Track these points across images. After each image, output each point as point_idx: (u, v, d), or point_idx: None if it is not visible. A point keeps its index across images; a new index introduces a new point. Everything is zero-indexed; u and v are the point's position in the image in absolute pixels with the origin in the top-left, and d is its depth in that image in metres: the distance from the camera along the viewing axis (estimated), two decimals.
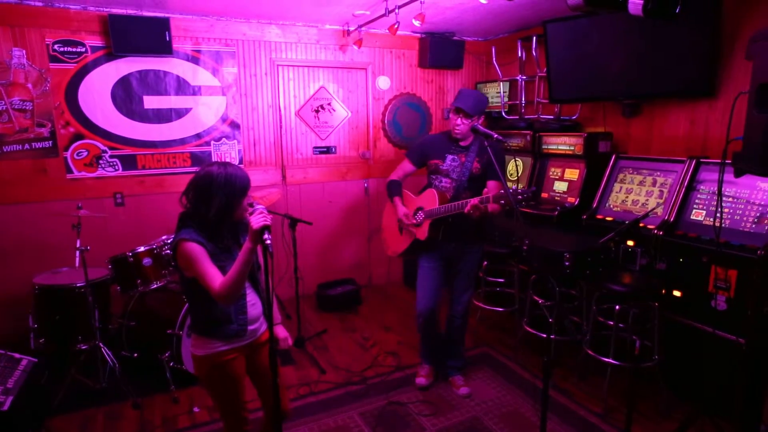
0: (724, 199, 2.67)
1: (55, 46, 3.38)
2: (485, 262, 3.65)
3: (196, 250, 1.62)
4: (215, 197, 1.63)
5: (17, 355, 2.33)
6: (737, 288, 2.43)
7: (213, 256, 1.65)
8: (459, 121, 2.60)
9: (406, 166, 2.85)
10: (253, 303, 1.81)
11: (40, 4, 3.28)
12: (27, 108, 3.37)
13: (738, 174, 1.86)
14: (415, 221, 2.74)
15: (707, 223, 2.71)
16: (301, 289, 3.62)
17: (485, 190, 2.59)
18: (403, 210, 2.79)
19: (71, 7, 3.36)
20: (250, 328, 1.80)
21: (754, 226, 2.53)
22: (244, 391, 1.85)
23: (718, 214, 2.33)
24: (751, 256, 2.37)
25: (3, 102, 3.29)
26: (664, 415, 2.64)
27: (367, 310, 4.22)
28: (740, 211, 2.62)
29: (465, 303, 2.90)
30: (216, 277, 1.60)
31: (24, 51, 3.29)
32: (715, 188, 2.74)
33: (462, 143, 2.69)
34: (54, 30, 3.36)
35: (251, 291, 1.81)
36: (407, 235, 2.83)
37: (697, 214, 2.80)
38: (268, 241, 1.52)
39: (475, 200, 2.39)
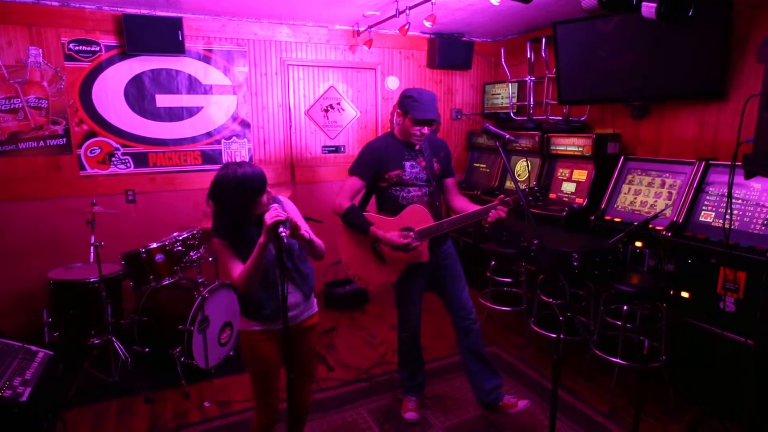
0: (733, 201, 2.68)
1: (71, 45, 3.43)
2: (492, 262, 3.67)
3: (220, 244, 1.77)
4: (229, 201, 1.70)
5: (34, 348, 2.37)
6: (746, 290, 2.44)
7: (238, 248, 1.75)
8: (426, 130, 2.36)
9: (356, 184, 2.43)
10: (290, 291, 1.85)
11: (57, 3, 3.33)
12: (42, 106, 3.42)
13: (748, 176, 1.87)
14: (417, 244, 2.35)
15: (716, 224, 2.72)
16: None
17: (448, 188, 2.55)
18: (396, 236, 2.33)
19: (86, 6, 3.41)
20: (289, 313, 1.83)
21: (763, 228, 2.53)
22: (276, 378, 1.92)
23: (728, 216, 2.34)
24: (760, 258, 2.38)
25: (19, 99, 3.34)
26: (671, 415, 2.65)
27: (374, 309, 4.25)
28: (750, 213, 2.63)
29: (470, 300, 2.60)
30: (236, 268, 1.73)
31: (40, 50, 3.35)
32: (724, 190, 2.75)
33: (411, 145, 2.44)
34: (69, 29, 3.41)
35: (287, 280, 1.84)
36: (395, 262, 2.43)
37: (706, 216, 2.80)
38: (284, 234, 1.56)
39: (501, 208, 2.21)
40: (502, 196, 2.27)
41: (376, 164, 2.42)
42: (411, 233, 2.35)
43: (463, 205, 2.52)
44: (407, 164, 2.43)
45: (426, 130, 2.36)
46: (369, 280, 2.50)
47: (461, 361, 2.66)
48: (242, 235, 1.75)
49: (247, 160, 4.12)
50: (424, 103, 2.30)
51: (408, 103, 2.32)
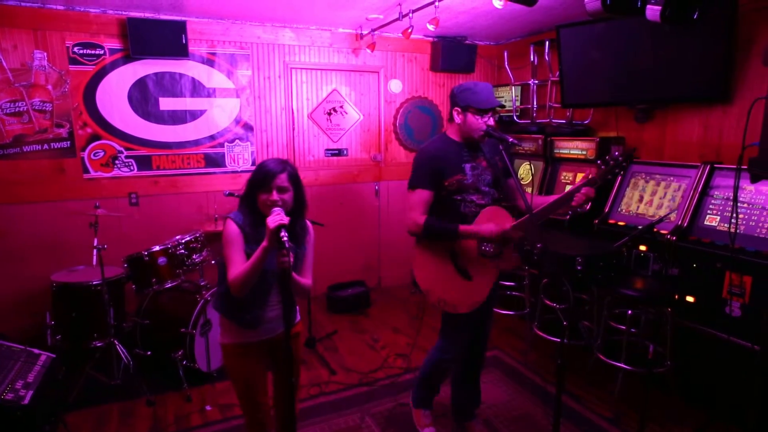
0: (738, 205, 2.66)
1: (75, 49, 3.45)
2: None
3: (233, 231, 1.71)
4: (246, 185, 1.77)
5: (36, 351, 2.37)
6: (752, 294, 2.41)
7: (249, 242, 1.71)
8: (492, 121, 2.14)
9: (425, 196, 2.15)
10: (274, 306, 1.81)
11: (62, 7, 3.35)
12: (47, 109, 3.44)
13: (754, 180, 1.87)
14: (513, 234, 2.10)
15: (721, 228, 2.70)
16: (312, 290, 3.64)
17: (512, 189, 2.31)
18: (493, 226, 2.07)
19: (91, 10, 3.43)
20: (267, 326, 1.82)
21: None
22: (262, 392, 1.86)
23: (733, 220, 2.32)
24: (766, 263, 2.36)
25: (24, 103, 3.36)
26: (675, 421, 2.62)
27: (376, 312, 4.24)
28: (755, 217, 2.60)
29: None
30: (236, 266, 1.67)
31: (45, 53, 3.37)
32: (729, 194, 2.73)
33: (471, 145, 2.22)
34: (74, 33, 3.43)
35: (276, 294, 1.81)
36: (484, 272, 2.18)
37: (711, 220, 2.78)
38: (285, 238, 1.54)
39: (585, 188, 2.00)
40: (587, 172, 2.06)
41: (436, 171, 2.15)
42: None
43: (537, 200, 2.23)
44: (467, 167, 2.17)
45: (492, 120, 2.14)
46: (457, 303, 2.19)
47: (458, 377, 2.58)
48: (256, 230, 1.71)
49: (250, 164, 4.12)
50: (482, 91, 2.12)
51: (467, 96, 2.12)
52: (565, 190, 2.15)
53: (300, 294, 1.85)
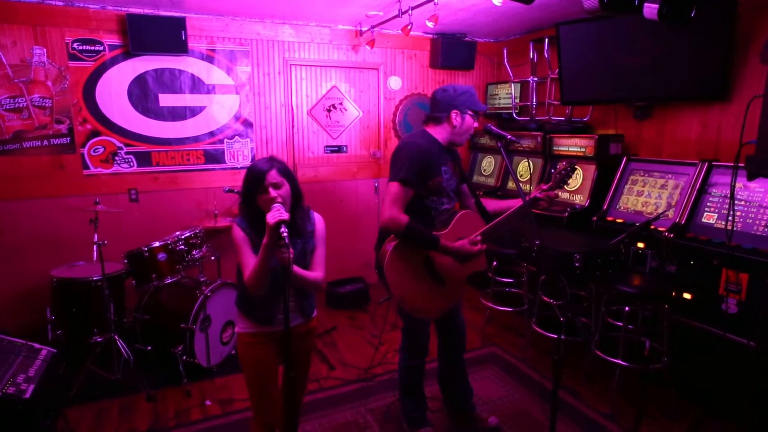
0: (736, 202, 2.67)
1: (74, 45, 3.45)
2: (494, 263, 3.66)
3: (239, 236, 1.75)
4: (242, 191, 1.79)
5: (37, 346, 2.39)
6: (748, 291, 2.43)
7: (255, 245, 1.73)
8: (477, 123, 2.22)
9: (409, 194, 2.08)
10: (289, 299, 1.81)
11: (61, 3, 3.35)
12: (46, 105, 3.44)
13: (751, 177, 1.87)
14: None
15: (718, 226, 2.71)
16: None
17: (466, 194, 2.37)
18: (467, 244, 2.12)
19: (91, 6, 3.43)
20: (280, 316, 1.82)
21: (766, 229, 2.53)
22: (272, 385, 1.88)
23: (731, 218, 2.33)
24: (763, 260, 2.37)
25: (23, 99, 3.36)
26: (672, 417, 2.64)
27: (375, 308, 4.25)
28: (752, 215, 2.62)
29: None
30: (249, 266, 1.71)
31: (44, 49, 3.37)
32: (727, 192, 2.74)
33: (449, 149, 2.24)
34: (73, 29, 3.43)
35: (289, 287, 1.82)
36: (455, 276, 2.21)
37: (709, 217, 2.79)
38: (285, 234, 1.55)
39: (551, 192, 2.12)
40: (542, 185, 2.20)
41: (425, 168, 2.09)
42: (478, 239, 2.14)
43: (494, 204, 2.32)
44: (443, 169, 2.17)
45: (477, 123, 2.22)
46: (431, 309, 2.22)
47: (445, 375, 2.60)
48: (259, 231, 1.72)
49: (249, 160, 4.12)
50: (476, 94, 2.21)
51: (467, 99, 2.15)
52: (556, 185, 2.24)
53: (310, 288, 1.88)
